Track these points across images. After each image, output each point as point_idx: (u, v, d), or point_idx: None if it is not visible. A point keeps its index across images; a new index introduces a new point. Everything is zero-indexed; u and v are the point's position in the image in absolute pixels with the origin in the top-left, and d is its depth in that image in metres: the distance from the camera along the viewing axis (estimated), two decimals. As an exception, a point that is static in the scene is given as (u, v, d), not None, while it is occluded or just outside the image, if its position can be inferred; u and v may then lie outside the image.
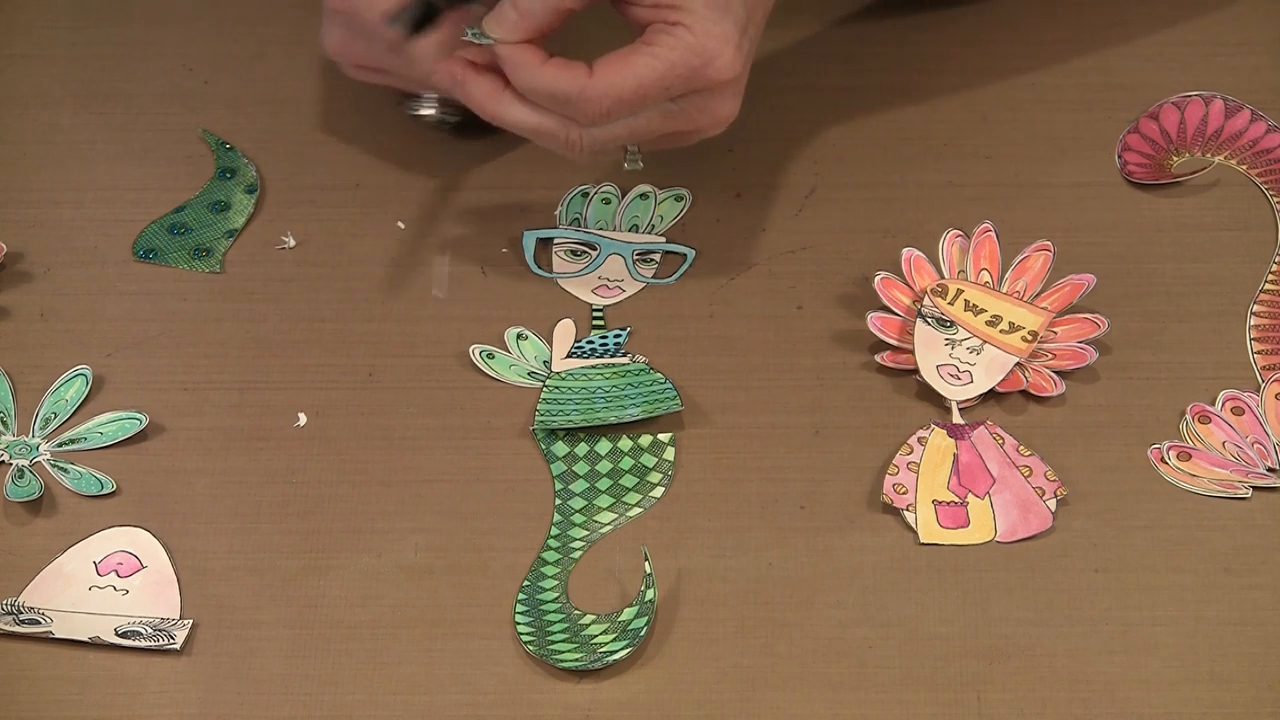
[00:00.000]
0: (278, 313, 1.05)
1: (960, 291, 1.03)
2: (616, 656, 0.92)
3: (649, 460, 0.99)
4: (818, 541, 0.96)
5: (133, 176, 1.11)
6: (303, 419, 1.01)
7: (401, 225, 1.08)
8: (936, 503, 0.97)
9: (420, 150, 1.11)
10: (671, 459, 0.99)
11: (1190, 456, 0.98)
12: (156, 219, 1.09)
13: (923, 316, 1.02)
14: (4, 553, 0.96)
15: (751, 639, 0.93)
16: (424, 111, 1.08)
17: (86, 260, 1.07)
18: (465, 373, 1.02)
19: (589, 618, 0.94)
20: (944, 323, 1.02)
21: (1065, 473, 0.97)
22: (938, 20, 1.15)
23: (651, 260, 1.07)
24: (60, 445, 1.00)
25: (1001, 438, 0.99)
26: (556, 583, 0.95)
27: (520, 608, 0.94)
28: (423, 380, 1.02)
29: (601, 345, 1.03)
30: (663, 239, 1.07)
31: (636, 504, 0.98)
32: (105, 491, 0.98)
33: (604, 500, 0.98)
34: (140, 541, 0.97)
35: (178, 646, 0.93)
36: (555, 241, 1.07)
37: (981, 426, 0.99)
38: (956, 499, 0.97)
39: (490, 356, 1.03)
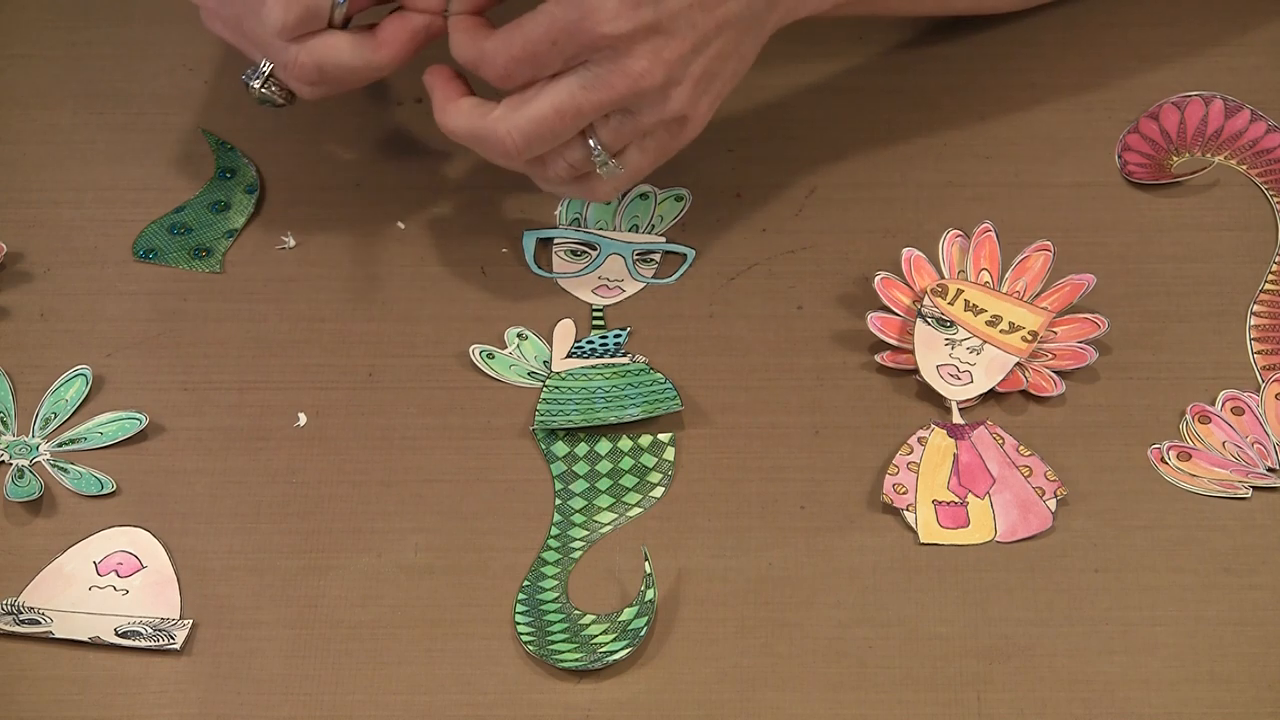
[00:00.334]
0: (278, 313, 1.05)
1: (960, 291, 1.03)
2: (616, 656, 0.92)
3: (649, 460, 0.99)
4: (818, 541, 0.96)
5: (133, 176, 1.11)
6: (303, 419, 1.01)
7: (401, 225, 1.08)
8: (936, 503, 0.97)
9: (420, 150, 1.11)
10: (671, 459, 0.99)
11: (1190, 456, 0.98)
12: (156, 219, 1.09)
13: (923, 316, 1.02)
14: (4, 553, 0.96)
15: (751, 639, 0.93)
16: (254, 84, 1.03)
17: (86, 260, 1.07)
18: (465, 373, 1.02)
19: (589, 618, 0.94)
20: (944, 323, 1.02)
21: (1065, 473, 0.97)
22: (938, 22, 1.15)
23: (651, 260, 1.07)
24: (60, 445, 1.00)
25: (1001, 438, 0.99)
26: (556, 583, 0.95)
27: (520, 608, 0.94)
28: (423, 380, 1.02)
29: (601, 345, 1.03)
30: (663, 239, 1.07)
31: (636, 504, 0.98)
32: (105, 491, 0.98)
33: (604, 500, 0.98)
34: (140, 541, 0.97)
35: (178, 646, 0.93)
36: (555, 241, 1.07)
37: (981, 426, 0.99)
38: (956, 499, 0.97)
39: (490, 356, 1.03)
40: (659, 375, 1.01)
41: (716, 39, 0.98)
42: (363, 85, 1.02)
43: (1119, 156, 1.09)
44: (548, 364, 1.03)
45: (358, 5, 1.01)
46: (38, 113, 1.14)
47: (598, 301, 1.05)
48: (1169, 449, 0.98)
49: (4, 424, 1.00)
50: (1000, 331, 1.01)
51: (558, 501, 0.98)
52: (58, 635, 0.93)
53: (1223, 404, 0.99)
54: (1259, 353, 1.02)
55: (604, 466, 0.99)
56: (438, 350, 1.03)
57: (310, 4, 0.99)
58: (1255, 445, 0.98)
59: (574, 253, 1.07)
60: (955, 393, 1.00)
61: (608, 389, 1.01)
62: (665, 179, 1.09)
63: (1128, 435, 0.99)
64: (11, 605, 0.94)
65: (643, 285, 1.06)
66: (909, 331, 1.02)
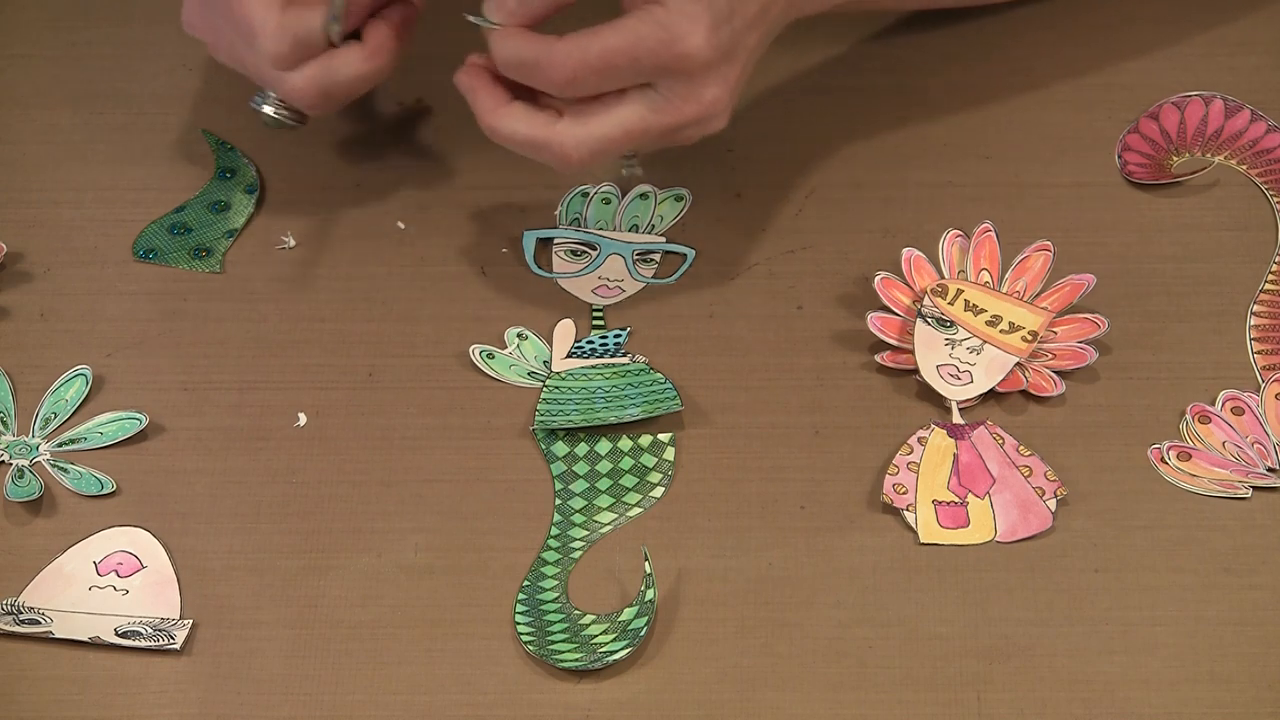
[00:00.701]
0: (278, 313, 1.05)
1: (960, 291, 1.03)
2: (616, 656, 0.92)
3: (649, 460, 0.99)
4: (818, 541, 0.96)
5: (133, 176, 1.11)
6: (303, 419, 1.01)
7: (401, 225, 1.08)
8: (936, 503, 0.97)
9: (420, 150, 1.11)
10: (671, 459, 0.99)
11: (1190, 456, 0.98)
12: (156, 219, 1.09)
13: (923, 316, 1.02)
14: (4, 553, 0.96)
15: (751, 639, 0.93)
16: (265, 109, 1.05)
17: (86, 260, 1.07)
18: (465, 373, 1.02)
19: (589, 618, 0.94)
20: (944, 323, 1.02)
21: (1065, 473, 0.97)
22: (938, 20, 1.15)
23: (651, 260, 1.07)
24: (60, 445, 1.00)
25: (1001, 438, 0.99)
26: (556, 583, 0.95)
27: (520, 608, 0.94)
28: (423, 380, 1.02)
29: (601, 345, 1.03)
30: (663, 239, 1.07)
31: (636, 504, 0.98)
32: (105, 491, 0.98)
33: (604, 500, 0.98)
34: (140, 541, 0.97)
35: (178, 646, 0.93)
36: (555, 241, 1.07)
37: (981, 426, 0.99)
38: (956, 499, 0.97)
39: (490, 356, 1.03)
40: (659, 375, 1.01)
41: (755, 55, 0.99)
42: (368, 90, 1.03)
43: (1119, 156, 1.09)
44: (548, 364, 1.03)
45: (353, 22, 1.01)
46: (38, 113, 1.14)
47: (598, 301, 1.05)
48: (1169, 449, 0.98)
49: (4, 424, 1.00)
50: (1000, 331, 1.01)
51: (558, 501, 0.98)
52: (58, 635, 0.93)
53: (1223, 404, 0.99)
54: (1259, 353, 1.02)
55: (604, 466, 0.99)
56: (438, 350, 1.03)
57: (300, 33, 1.00)
58: (1255, 445, 0.98)
59: (574, 253, 1.07)
60: (955, 393, 1.00)
61: (608, 389, 1.01)
62: (665, 179, 1.09)
63: (1128, 435, 0.99)
64: (11, 605, 0.94)
65: (643, 285, 1.06)
66: (909, 331, 1.02)
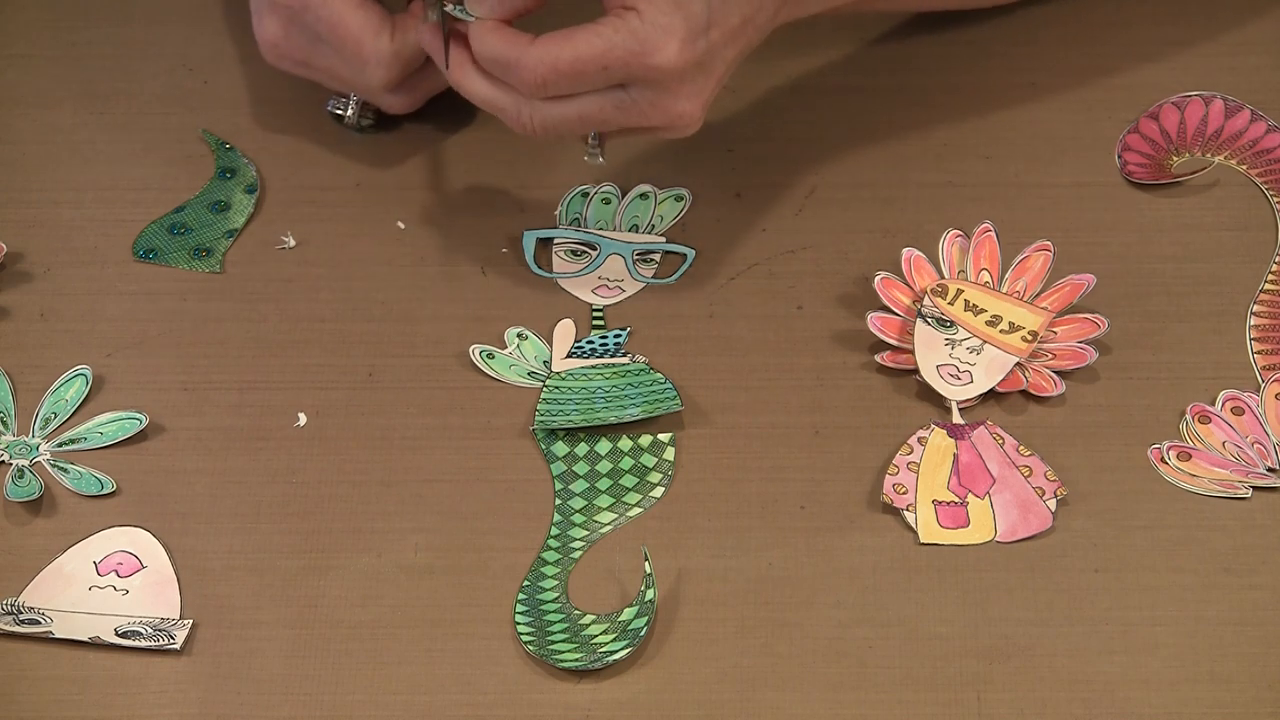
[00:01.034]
0: (278, 313, 1.05)
1: (960, 291, 1.03)
2: (616, 656, 0.92)
3: (649, 460, 0.99)
4: (818, 541, 0.96)
5: (133, 176, 1.11)
6: (303, 419, 1.01)
7: (401, 225, 1.08)
8: (936, 503, 0.97)
9: (420, 150, 1.11)
10: (671, 459, 0.99)
11: (1190, 456, 0.98)
12: (156, 219, 1.09)
13: (923, 316, 1.02)
14: (4, 553, 0.96)
15: (751, 639, 0.93)
16: (341, 111, 1.10)
17: (86, 260, 1.07)
18: (465, 373, 1.02)
19: (589, 618, 0.94)
20: (944, 323, 1.02)
21: (1065, 473, 0.97)
22: (938, 20, 1.15)
23: (651, 260, 1.07)
24: (60, 445, 1.00)
25: (1001, 438, 0.99)
26: (556, 583, 0.95)
27: (520, 608, 0.94)
28: (423, 380, 1.02)
29: (601, 345, 1.03)
30: (663, 239, 1.07)
31: (636, 504, 0.98)
32: (105, 491, 0.98)
33: (604, 500, 0.98)
34: (140, 541, 0.97)
35: (178, 646, 0.93)
36: (555, 241, 1.07)
37: (981, 426, 0.99)
38: (956, 499, 0.97)
39: (490, 356, 1.03)
40: (659, 375, 1.01)
41: (733, 67, 0.99)
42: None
43: (1119, 156, 1.09)
44: (548, 364, 1.03)
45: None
46: (38, 113, 1.14)
47: (598, 301, 1.05)
48: (1169, 449, 0.98)
49: (4, 424, 1.00)
50: (1000, 331, 1.01)
51: (558, 501, 0.98)
52: (58, 635, 0.93)
53: (1223, 404, 0.99)
54: (1259, 353, 1.02)
55: (604, 466, 0.99)
56: (438, 350, 1.03)
57: (405, 55, 1.04)
58: (1255, 445, 0.98)
59: (574, 253, 1.07)
60: (955, 393, 1.00)
61: (608, 389, 1.01)
62: (665, 179, 1.09)
63: (1128, 435, 0.99)
64: (11, 605, 0.94)
65: (643, 285, 1.06)
66: (909, 331, 1.02)
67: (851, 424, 1.00)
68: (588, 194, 1.09)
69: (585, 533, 0.97)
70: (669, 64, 0.95)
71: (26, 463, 0.99)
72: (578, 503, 0.98)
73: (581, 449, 0.99)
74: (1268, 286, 1.04)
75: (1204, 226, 1.07)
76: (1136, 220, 1.07)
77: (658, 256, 1.07)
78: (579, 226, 1.08)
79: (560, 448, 0.99)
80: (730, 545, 0.96)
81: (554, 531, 0.97)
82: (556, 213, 1.08)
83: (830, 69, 1.14)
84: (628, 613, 0.93)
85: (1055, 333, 1.02)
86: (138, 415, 1.00)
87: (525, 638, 0.93)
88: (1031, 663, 0.92)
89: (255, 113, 1.13)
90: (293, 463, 0.99)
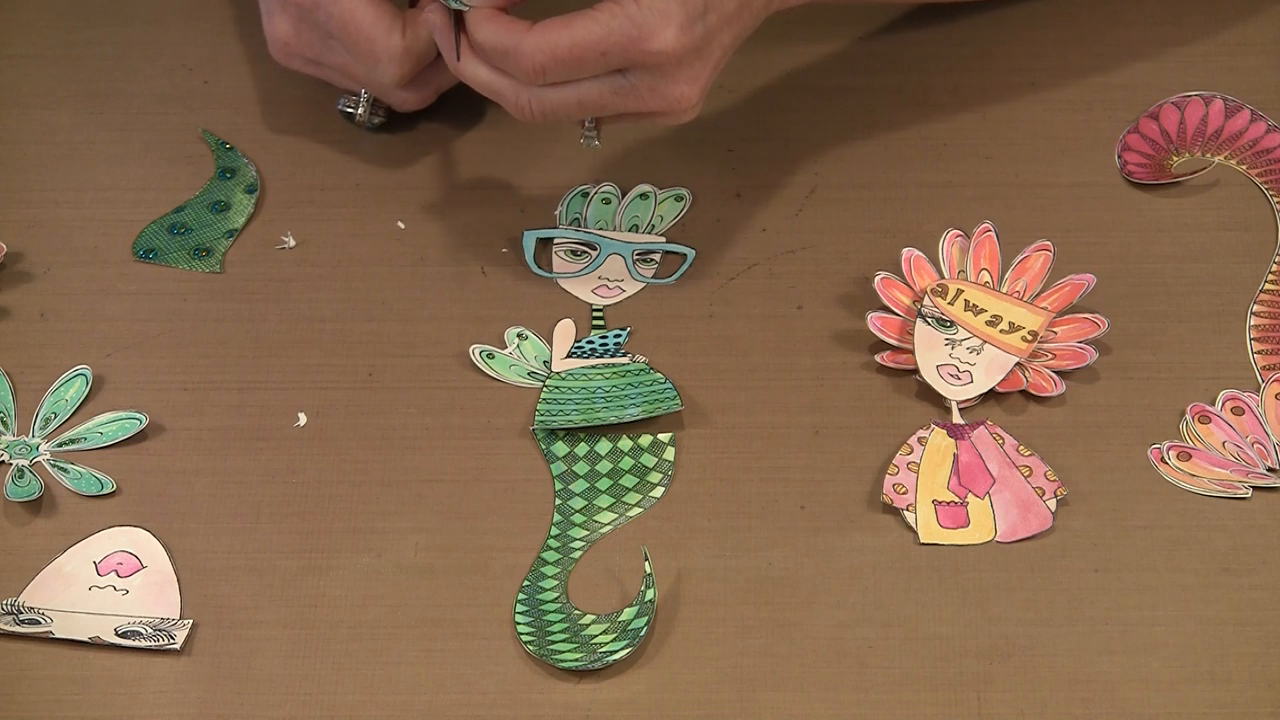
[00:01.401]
0: (278, 313, 1.05)
1: (960, 291, 1.03)
2: (616, 656, 0.92)
3: (649, 460, 0.99)
4: (818, 541, 0.96)
5: (133, 176, 1.11)
6: (303, 419, 1.01)
7: (401, 225, 1.08)
8: (936, 503, 0.97)
9: (420, 150, 1.11)
10: (671, 459, 0.99)
11: (1190, 456, 0.98)
12: (156, 219, 1.09)
13: (923, 316, 1.02)
14: (4, 553, 0.96)
15: (751, 639, 0.93)
16: (353, 109, 1.09)
17: (86, 260, 1.07)
18: (465, 373, 1.02)
19: (589, 618, 0.94)
20: (944, 323, 1.02)
21: (1065, 473, 0.97)
22: (938, 20, 1.15)
23: (651, 260, 1.07)
24: (60, 445, 1.00)
25: (1001, 438, 0.99)
26: (556, 583, 0.95)
27: (520, 608, 0.94)
28: (423, 380, 1.02)
29: (601, 345, 1.03)
30: (663, 239, 1.07)
31: (636, 504, 0.98)
32: (105, 491, 0.98)
33: (604, 500, 0.98)
34: (140, 541, 0.97)
35: (178, 646, 0.93)
36: (555, 241, 1.07)
37: (981, 426, 0.99)
38: (956, 499, 0.97)
39: (490, 356, 1.03)
40: (659, 375, 1.01)
41: (730, 51, 0.99)
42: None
43: (1119, 156, 1.09)
44: (548, 364, 1.03)
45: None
46: (38, 113, 1.14)
47: (598, 301, 1.05)
48: (1169, 449, 0.98)
49: (4, 424, 1.00)
50: (1000, 331, 1.01)
51: (558, 501, 0.98)
52: (58, 635, 0.93)
53: (1223, 404, 0.99)
54: (1259, 353, 1.02)
55: (604, 466, 0.99)
56: (438, 350, 1.03)
57: (418, 50, 1.04)
58: (1255, 445, 0.98)
59: (574, 253, 1.07)
60: (955, 393, 1.00)
61: (608, 389, 1.01)
62: (665, 179, 1.09)
63: (1128, 435, 0.99)
64: (11, 605, 0.94)
65: (643, 285, 1.06)
66: (909, 331, 1.02)
67: (851, 424, 1.00)
68: (588, 194, 1.09)
69: (585, 533, 0.97)
70: (667, 49, 0.95)
71: (26, 463, 0.99)
72: (578, 503, 0.98)
73: (581, 449, 0.99)
74: (1268, 286, 1.04)
75: (1204, 226, 1.07)
76: (1136, 220, 1.07)
77: (658, 256, 1.07)
78: (579, 226, 1.08)
79: (560, 448, 0.99)
80: (730, 545, 0.96)
81: (554, 531, 0.97)
82: (556, 213, 1.08)
83: (830, 69, 1.14)
84: (628, 613, 0.93)
85: (1055, 333, 1.02)
86: (138, 415, 1.00)
87: (525, 638, 0.93)
88: (1031, 663, 0.92)
89: (255, 113, 1.13)
90: (293, 463, 0.99)
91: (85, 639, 0.93)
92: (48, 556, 0.96)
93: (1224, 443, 0.98)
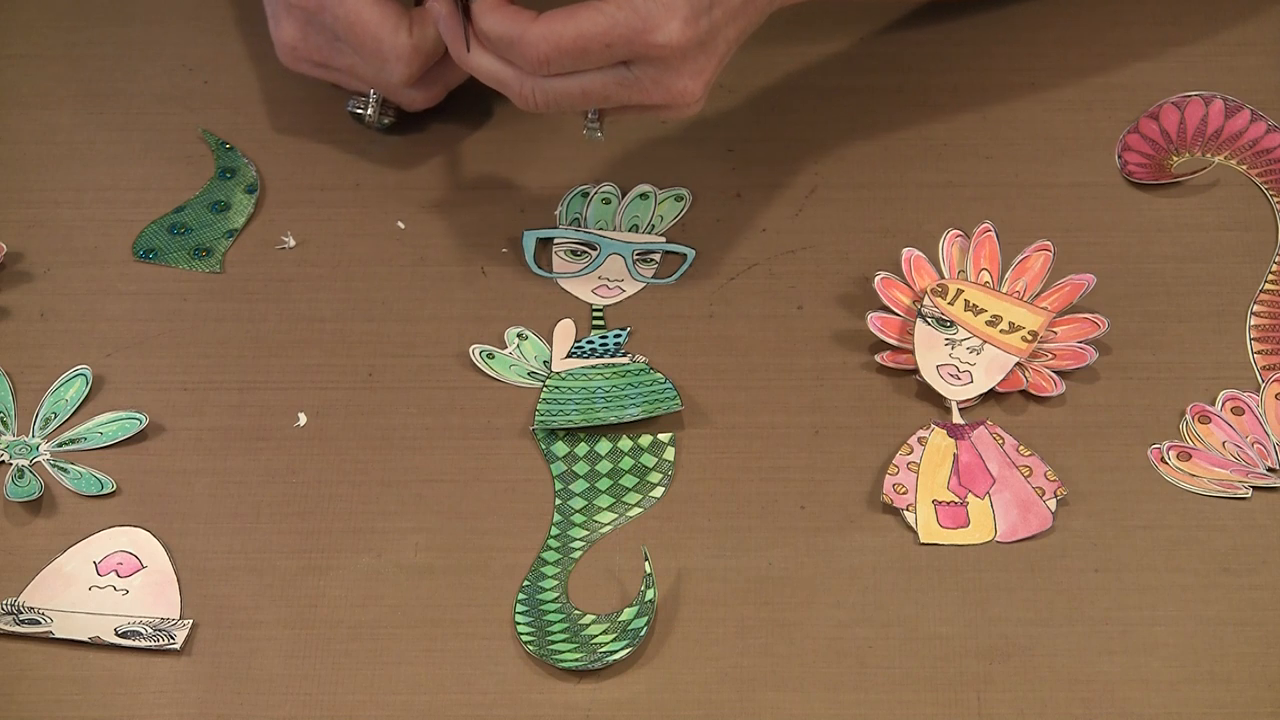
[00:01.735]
0: (278, 313, 1.05)
1: (960, 291, 1.03)
2: (616, 656, 0.92)
3: (649, 460, 0.99)
4: (818, 541, 0.96)
5: (133, 176, 1.11)
6: (303, 419, 1.01)
7: (401, 225, 1.08)
8: (936, 503, 0.97)
9: (420, 150, 1.11)
10: (671, 459, 0.99)
11: (1190, 456, 0.98)
12: (156, 219, 1.09)
13: (923, 316, 1.02)
14: (4, 553, 0.96)
15: (751, 639, 0.93)
16: (362, 110, 1.09)
17: (86, 260, 1.07)
18: (465, 373, 1.02)
19: (589, 618, 0.94)
20: (944, 323, 1.02)
21: (1065, 473, 0.97)
22: (938, 20, 1.15)
23: (651, 260, 1.07)
24: (60, 445, 1.00)
25: (1001, 438, 0.99)
26: (556, 583, 0.95)
27: (520, 608, 0.94)
28: (423, 380, 1.02)
29: (601, 345, 1.03)
30: (663, 239, 1.07)
31: (636, 504, 0.98)
32: (105, 491, 0.98)
33: (604, 500, 0.98)
34: (140, 541, 0.97)
35: (178, 646, 0.93)
36: (555, 241, 1.07)
37: (981, 426, 0.99)
38: (956, 499, 0.97)
39: (490, 356, 1.03)
40: (659, 375, 1.01)
41: (735, 46, 0.99)
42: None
43: (1119, 156, 1.09)
44: (548, 364, 1.03)
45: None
46: (38, 113, 1.14)
47: (598, 301, 1.05)
48: (1169, 449, 0.98)
49: (4, 424, 1.00)
50: (1000, 331, 1.01)
51: (558, 501, 0.98)
52: (58, 635, 0.93)
53: (1223, 404, 0.99)
54: (1259, 353, 1.02)
55: (604, 466, 0.99)
56: (438, 350, 1.03)
57: (425, 48, 1.04)
58: (1255, 445, 0.98)
59: (574, 253, 1.07)
60: (955, 393, 1.00)
61: (608, 389, 1.01)
62: (665, 179, 1.09)
63: (1128, 435, 0.99)
64: (11, 605, 0.94)
65: (643, 285, 1.06)
66: (909, 331, 1.02)
67: (851, 424, 1.00)
68: (588, 194, 1.09)
69: (585, 533, 0.97)
70: (671, 41, 0.95)
71: (26, 463, 0.99)
72: (578, 503, 0.98)
73: (581, 449, 0.99)
74: (1268, 286, 1.04)
75: (1204, 226, 1.07)
76: (1136, 220, 1.07)
77: (658, 256, 1.07)
78: (579, 226, 1.08)
79: (560, 448, 0.99)
80: (730, 545, 0.96)
81: (554, 531, 0.97)
82: (556, 213, 1.08)
83: (830, 69, 1.14)
84: (628, 613, 0.93)
85: (1055, 333, 1.02)
86: (138, 415, 1.00)
87: (525, 638, 0.93)
88: (1031, 663, 0.92)
89: (255, 113, 1.13)
90: (293, 463, 0.99)
91: (85, 639, 0.93)
92: (48, 556, 0.96)
93: (1224, 443, 0.98)
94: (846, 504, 0.97)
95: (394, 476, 0.99)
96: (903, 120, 1.11)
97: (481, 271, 1.06)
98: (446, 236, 1.07)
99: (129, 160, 1.11)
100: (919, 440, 0.99)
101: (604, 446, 0.99)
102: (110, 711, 0.92)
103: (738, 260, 1.06)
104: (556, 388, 1.01)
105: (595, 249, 1.07)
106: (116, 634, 0.93)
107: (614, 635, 0.93)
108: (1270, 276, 1.04)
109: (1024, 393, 1.00)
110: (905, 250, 1.04)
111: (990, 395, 1.00)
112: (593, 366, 1.02)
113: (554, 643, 0.93)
